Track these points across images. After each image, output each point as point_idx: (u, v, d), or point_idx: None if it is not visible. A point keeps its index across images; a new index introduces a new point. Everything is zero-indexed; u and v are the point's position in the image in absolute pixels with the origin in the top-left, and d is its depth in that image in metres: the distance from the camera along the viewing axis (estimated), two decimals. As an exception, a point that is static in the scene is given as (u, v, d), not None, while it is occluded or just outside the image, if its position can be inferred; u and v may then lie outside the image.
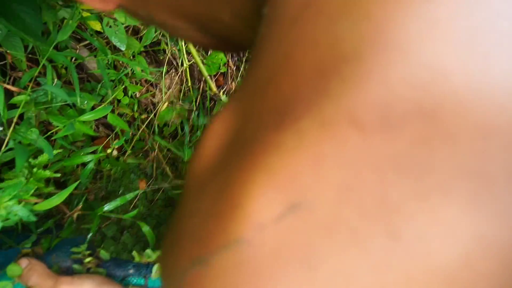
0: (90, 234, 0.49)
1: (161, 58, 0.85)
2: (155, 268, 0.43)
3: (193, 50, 0.65)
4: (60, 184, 0.81)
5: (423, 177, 0.10)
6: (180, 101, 0.76)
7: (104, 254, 0.45)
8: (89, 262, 0.42)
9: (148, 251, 0.43)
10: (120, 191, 0.75)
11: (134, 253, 0.44)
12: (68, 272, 0.42)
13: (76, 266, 0.42)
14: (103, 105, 0.67)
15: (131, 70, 0.74)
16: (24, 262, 0.40)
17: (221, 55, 0.76)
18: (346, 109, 0.10)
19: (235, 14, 0.18)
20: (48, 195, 0.62)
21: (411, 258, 0.09)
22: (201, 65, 0.66)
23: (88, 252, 0.44)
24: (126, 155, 0.77)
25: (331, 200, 0.10)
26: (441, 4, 0.10)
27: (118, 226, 0.77)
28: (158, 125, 0.79)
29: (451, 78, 0.10)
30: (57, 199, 0.55)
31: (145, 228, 0.50)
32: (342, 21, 0.11)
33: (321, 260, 0.10)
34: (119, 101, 0.82)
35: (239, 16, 0.18)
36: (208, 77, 0.69)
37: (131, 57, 0.73)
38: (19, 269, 0.39)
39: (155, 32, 0.76)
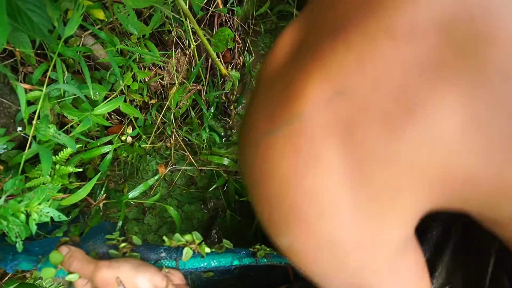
0: (121, 223, 0.51)
1: (166, 38, 0.84)
2: (185, 251, 0.45)
3: (198, 30, 0.64)
4: (79, 174, 0.84)
5: (436, 71, 0.13)
6: (189, 82, 0.76)
7: (136, 239, 0.47)
8: (124, 247, 0.45)
9: (177, 235, 0.46)
10: (139, 175, 0.77)
11: (165, 237, 0.46)
12: (105, 257, 0.44)
13: (112, 251, 0.44)
14: (114, 95, 0.68)
15: (139, 55, 0.74)
16: (64, 249, 0.42)
17: (228, 30, 0.74)
18: (384, 25, 0.14)
19: None
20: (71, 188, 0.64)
21: (423, 133, 0.13)
22: (208, 46, 0.66)
23: (122, 238, 0.47)
24: (142, 140, 0.78)
25: (367, 89, 0.14)
26: None
27: (138, 208, 0.80)
28: (169, 107, 0.79)
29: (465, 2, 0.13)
30: (83, 192, 0.57)
31: (171, 211, 0.52)
32: None
33: (357, 134, 0.14)
34: (128, 87, 0.83)
35: None
36: (217, 59, 0.69)
37: (137, 41, 0.73)
38: (60, 256, 0.42)
39: (160, 13, 0.74)
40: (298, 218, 0.16)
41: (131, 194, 0.59)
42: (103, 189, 0.66)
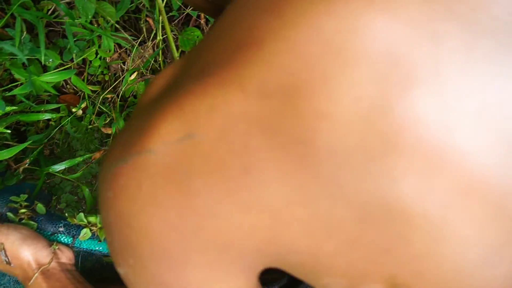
0: (36, 190, 0.52)
1: (141, 26, 0.86)
2: (84, 231, 0.46)
3: (166, 24, 0.66)
4: (21, 133, 0.83)
5: (274, 135, 0.14)
6: (143, 67, 0.77)
7: (40, 208, 0.48)
8: (23, 213, 0.45)
9: (81, 214, 0.47)
10: (78, 151, 0.77)
11: (66, 213, 0.47)
12: (1, 218, 0.45)
13: (10, 214, 0.45)
14: (68, 65, 0.69)
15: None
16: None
17: (197, 32, 0.77)
18: (238, 77, 0.14)
19: None
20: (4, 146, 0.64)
21: (254, 195, 0.14)
22: (172, 42, 0.68)
23: (26, 203, 0.47)
24: (89, 118, 0.79)
25: (214, 138, 0.14)
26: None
27: (74, 183, 0.80)
28: (125, 93, 0.80)
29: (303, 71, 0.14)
30: (6, 154, 0.57)
31: (86, 191, 0.53)
32: (252, 15, 0.15)
33: (195, 182, 0.14)
34: (90, 61, 0.83)
35: None
36: (177, 56, 0.71)
37: (103, 20, 0.74)
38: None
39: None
40: (132, 254, 0.16)
41: (56, 167, 0.60)
42: (32, 154, 0.66)
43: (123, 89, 0.78)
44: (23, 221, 0.45)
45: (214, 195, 0.14)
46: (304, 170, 0.13)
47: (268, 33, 0.14)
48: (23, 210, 0.45)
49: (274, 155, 0.13)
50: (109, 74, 0.84)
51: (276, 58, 0.14)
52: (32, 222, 0.45)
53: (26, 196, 0.47)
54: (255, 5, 0.16)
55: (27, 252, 0.41)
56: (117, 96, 0.81)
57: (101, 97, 0.73)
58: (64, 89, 0.84)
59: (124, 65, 0.80)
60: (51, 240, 0.46)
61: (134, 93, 0.82)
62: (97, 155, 0.72)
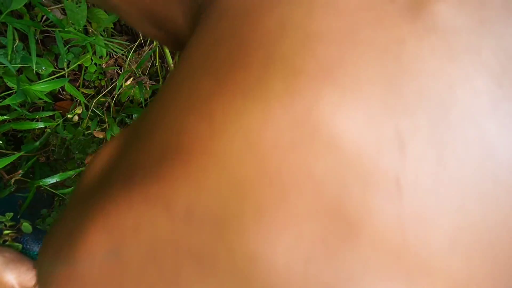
0: (24, 205, 0.51)
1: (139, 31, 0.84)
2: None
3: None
4: (19, 139, 0.82)
5: (209, 270, 0.11)
6: (136, 68, 0.76)
7: (26, 227, 0.47)
8: (7, 234, 0.45)
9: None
10: (74, 157, 0.76)
11: (52, 233, 0.46)
12: (-15, 240, 0.44)
13: (-7, 236, 0.44)
14: (61, 73, 0.67)
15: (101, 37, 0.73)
16: None
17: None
18: (163, 195, 0.12)
19: (187, 16, 0.19)
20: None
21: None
22: (167, 50, 0.66)
23: (11, 223, 0.46)
24: (85, 124, 0.78)
25: (141, 259, 0.12)
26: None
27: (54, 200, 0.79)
28: (120, 100, 0.79)
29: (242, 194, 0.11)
30: (-2, 163, 0.56)
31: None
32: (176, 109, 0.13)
33: None
34: (86, 68, 0.82)
35: (191, 18, 0.18)
36: (171, 62, 0.69)
37: (97, 25, 0.72)
38: None
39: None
40: None
41: (47, 180, 0.59)
42: (26, 165, 0.65)
43: (117, 93, 0.76)
44: (7, 243, 0.44)
45: None
46: None
47: (195, 143, 0.12)
48: (7, 231, 0.44)
49: None
50: (105, 79, 0.83)
51: (203, 179, 0.12)
52: (17, 244, 0.44)
53: (11, 214, 0.46)
54: (190, 86, 0.13)
55: (10, 276, 0.40)
56: (112, 99, 0.79)
57: (94, 101, 0.71)
58: (60, 96, 0.83)
59: (121, 71, 0.78)
60: (37, 259, 0.45)
61: (130, 98, 0.81)
62: (89, 159, 0.71)
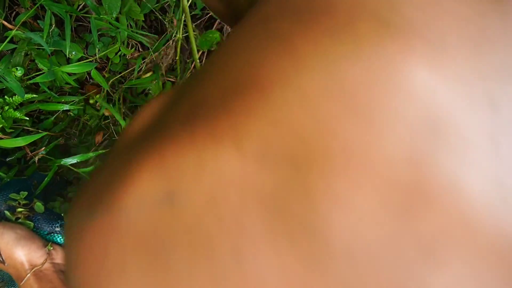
0: (43, 183, 0.52)
1: (167, 26, 0.85)
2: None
3: (189, 23, 0.65)
4: (41, 121, 0.85)
5: (276, 220, 0.10)
6: (165, 73, 0.77)
7: (38, 206, 0.48)
8: (20, 212, 0.46)
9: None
10: (89, 142, 0.78)
11: (64, 214, 0.47)
12: (0, 215, 0.45)
13: (7, 213, 0.45)
14: (89, 60, 0.69)
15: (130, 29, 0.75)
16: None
17: (217, 34, 0.75)
18: (233, 132, 0.11)
19: None
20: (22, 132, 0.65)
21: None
22: (193, 42, 0.67)
23: (25, 202, 0.48)
24: (104, 108, 0.80)
25: (198, 207, 0.11)
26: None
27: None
28: (136, 90, 0.80)
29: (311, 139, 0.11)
30: (22, 141, 0.58)
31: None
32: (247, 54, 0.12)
33: (170, 259, 0.11)
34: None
35: None
36: (197, 57, 0.70)
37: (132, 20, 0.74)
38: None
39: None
40: None
41: (68, 160, 0.60)
42: (49, 144, 0.67)
43: (134, 79, 0.78)
44: (20, 220, 0.45)
45: (195, 279, 0.11)
46: (312, 271, 0.10)
47: (276, 76, 0.11)
48: (20, 209, 0.45)
49: (274, 243, 0.10)
50: (128, 70, 0.85)
51: (284, 114, 0.11)
52: (29, 222, 0.45)
53: (26, 193, 0.48)
54: (266, 28, 0.12)
55: (20, 253, 0.41)
56: (123, 84, 0.81)
57: (109, 83, 0.73)
58: (86, 83, 0.85)
59: (143, 64, 0.80)
60: (47, 239, 0.46)
61: (146, 92, 0.82)
62: (99, 138, 0.73)
